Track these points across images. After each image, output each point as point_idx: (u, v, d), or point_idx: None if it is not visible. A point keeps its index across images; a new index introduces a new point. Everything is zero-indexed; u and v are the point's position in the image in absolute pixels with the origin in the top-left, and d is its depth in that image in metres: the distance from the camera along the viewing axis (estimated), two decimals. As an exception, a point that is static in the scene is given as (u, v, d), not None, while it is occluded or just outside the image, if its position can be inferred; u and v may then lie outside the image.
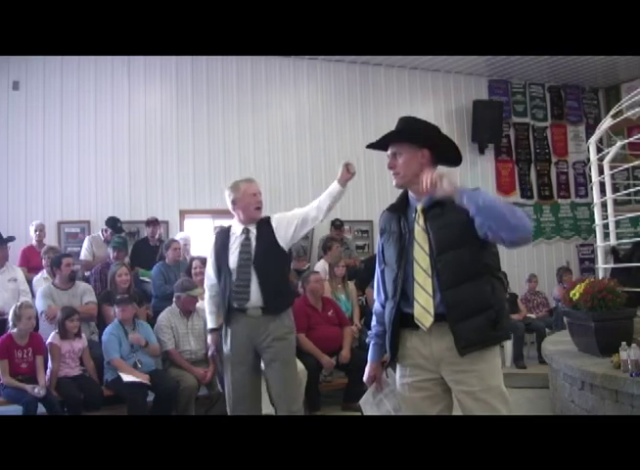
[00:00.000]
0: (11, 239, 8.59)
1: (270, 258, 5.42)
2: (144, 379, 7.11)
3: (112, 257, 9.22)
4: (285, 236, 5.50)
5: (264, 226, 5.51)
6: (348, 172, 5.40)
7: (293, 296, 5.92)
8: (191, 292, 7.70)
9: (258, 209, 5.53)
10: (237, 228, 5.56)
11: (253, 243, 5.43)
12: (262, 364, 5.57)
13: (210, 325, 5.77)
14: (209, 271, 5.70)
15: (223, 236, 5.63)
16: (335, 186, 5.43)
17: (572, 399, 6.50)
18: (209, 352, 6.03)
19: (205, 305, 5.86)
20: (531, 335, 11.35)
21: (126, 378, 7.08)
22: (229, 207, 5.65)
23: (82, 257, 9.96)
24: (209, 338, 5.85)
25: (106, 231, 10.06)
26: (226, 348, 5.50)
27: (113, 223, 10.08)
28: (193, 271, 8.47)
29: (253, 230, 5.49)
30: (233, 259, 5.42)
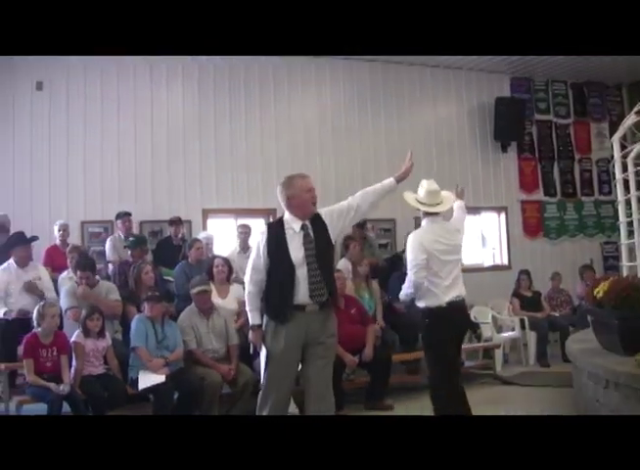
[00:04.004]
0: (34, 239, 8.63)
1: (327, 255, 5.47)
2: (160, 378, 7.14)
3: (130, 256, 9.30)
4: (335, 230, 5.50)
5: (318, 222, 5.45)
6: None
7: None
8: (199, 287, 7.73)
9: (314, 204, 5.46)
10: (294, 224, 5.41)
11: (314, 239, 5.38)
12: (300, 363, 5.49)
13: (254, 321, 5.50)
14: (259, 265, 5.46)
15: (278, 230, 5.47)
16: (390, 181, 5.55)
17: (597, 399, 6.45)
18: (252, 350, 5.92)
19: (248, 299, 5.56)
20: (555, 333, 11.31)
21: (142, 385, 7.14)
22: (282, 203, 5.53)
23: (109, 257, 10.00)
24: (252, 335, 5.56)
25: (117, 226, 10.30)
26: (277, 346, 5.37)
27: (117, 216, 10.30)
28: (215, 270, 8.48)
29: (310, 226, 5.42)
30: (297, 255, 5.31)
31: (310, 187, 5.44)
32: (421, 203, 6.12)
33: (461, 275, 6.15)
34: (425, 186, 6.11)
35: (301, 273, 5.29)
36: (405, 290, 6.09)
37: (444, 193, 6.23)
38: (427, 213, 6.16)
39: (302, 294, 5.29)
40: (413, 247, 5.97)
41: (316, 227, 5.42)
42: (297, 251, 5.33)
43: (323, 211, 5.52)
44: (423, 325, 6.09)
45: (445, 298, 5.87)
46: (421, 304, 5.99)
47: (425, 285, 5.89)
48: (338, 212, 5.49)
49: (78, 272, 7.99)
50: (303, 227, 5.40)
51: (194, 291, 7.78)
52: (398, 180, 5.50)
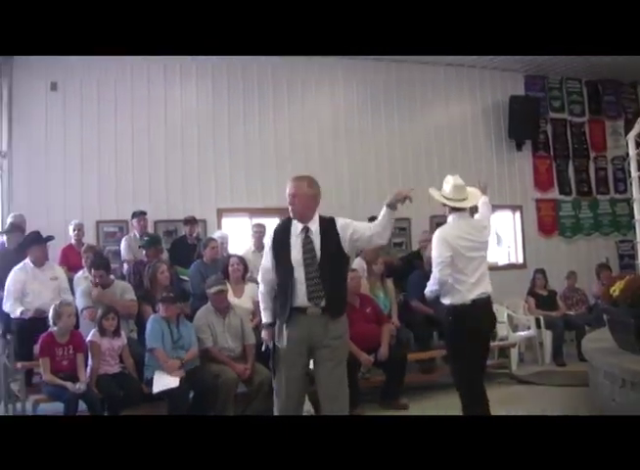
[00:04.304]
0: (50, 238, 8.66)
1: (333, 260, 5.34)
2: (175, 382, 7.14)
3: (144, 255, 9.35)
4: (347, 244, 5.40)
5: (329, 227, 5.41)
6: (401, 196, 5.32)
7: (346, 301, 5.80)
8: (216, 287, 7.76)
9: (291, 210, 5.44)
10: (297, 225, 5.43)
11: (316, 242, 5.33)
12: (312, 364, 5.48)
13: (266, 320, 5.59)
14: (267, 264, 5.54)
15: (283, 230, 5.51)
16: (384, 210, 5.35)
17: (614, 398, 6.43)
18: (263, 348, 5.91)
19: (260, 298, 5.68)
20: (571, 332, 11.28)
21: (156, 388, 7.16)
22: None
23: (124, 257, 10.06)
24: (264, 333, 5.64)
25: (133, 225, 10.34)
26: (281, 346, 5.40)
27: (132, 215, 10.34)
28: (230, 269, 8.50)
29: (313, 229, 5.38)
30: (296, 257, 5.31)
31: (291, 192, 5.41)
32: (447, 198, 5.99)
33: (487, 272, 6.01)
34: (451, 181, 5.98)
35: (299, 275, 5.28)
36: (430, 287, 6.01)
37: (470, 189, 6.11)
38: (452, 209, 6.01)
39: (301, 296, 5.28)
40: (438, 243, 5.86)
41: (325, 232, 5.38)
42: (296, 252, 5.33)
43: (340, 220, 5.47)
44: (447, 322, 6.03)
45: (470, 295, 5.76)
46: (445, 301, 5.91)
47: (450, 282, 5.79)
48: (353, 228, 5.39)
49: (92, 271, 8.04)
50: (304, 230, 5.38)
51: (212, 290, 7.79)
52: (389, 205, 5.30)
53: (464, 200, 5.99)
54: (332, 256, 5.33)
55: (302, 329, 5.31)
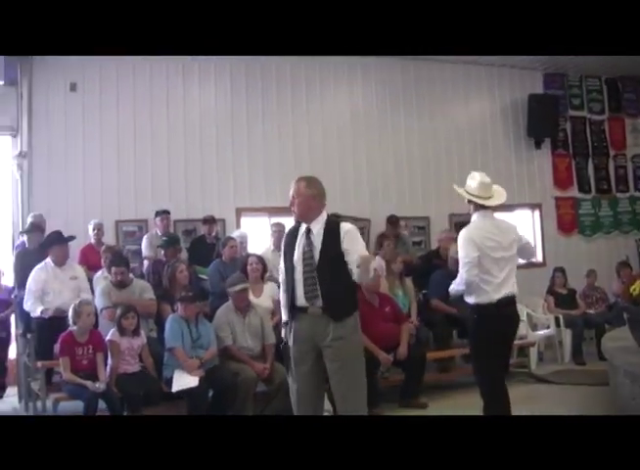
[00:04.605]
0: (71, 238, 8.71)
1: (334, 262, 5.26)
2: (194, 381, 7.16)
3: (163, 255, 9.38)
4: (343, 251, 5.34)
5: (333, 229, 5.36)
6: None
7: (356, 303, 5.66)
8: (239, 286, 7.78)
9: (292, 212, 5.49)
10: (303, 226, 5.45)
11: (316, 244, 5.31)
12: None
13: (284, 318, 5.62)
14: (282, 265, 5.61)
15: (293, 231, 5.54)
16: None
17: (634, 397, 6.39)
18: (282, 346, 5.92)
19: (281, 297, 5.73)
20: (590, 331, 11.23)
21: (176, 387, 7.18)
22: None
23: (145, 254, 10.14)
24: (283, 331, 5.66)
25: (155, 224, 10.39)
26: (289, 344, 5.44)
27: (156, 213, 10.39)
28: (249, 268, 8.50)
29: (315, 230, 5.36)
30: (297, 257, 5.34)
31: (291, 193, 5.43)
32: (472, 195, 5.88)
33: (514, 273, 5.91)
34: (477, 178, 5.88)
35: (298, 274, 5.32)
36: (456, 286, 5.94)
37: (495, 187, 5.99)
38: (477, 208, 5.91)
39: (300, 295, 5.32)
40: (464, 244, 5.77)
41: (328, 233, 5.35)
42: (297, 252, 5.36)
43: (346, 227, 5.40)
44: (471, 321, 5.96)
45: (496, 295, 5.69)
46: (470, 299, 5.85)
47: (476, 282, 5.73)
48: (348, 248, 5.24)
49: (113, 268, 8.08)
50: (306, 230, 5.39)
51: (235, 289, 7.78)
52: (358, 266, 5.11)
53: (490, 198, 5.91)
54: (332, 257, 5.27)
55: (305, 328, 5.35)
